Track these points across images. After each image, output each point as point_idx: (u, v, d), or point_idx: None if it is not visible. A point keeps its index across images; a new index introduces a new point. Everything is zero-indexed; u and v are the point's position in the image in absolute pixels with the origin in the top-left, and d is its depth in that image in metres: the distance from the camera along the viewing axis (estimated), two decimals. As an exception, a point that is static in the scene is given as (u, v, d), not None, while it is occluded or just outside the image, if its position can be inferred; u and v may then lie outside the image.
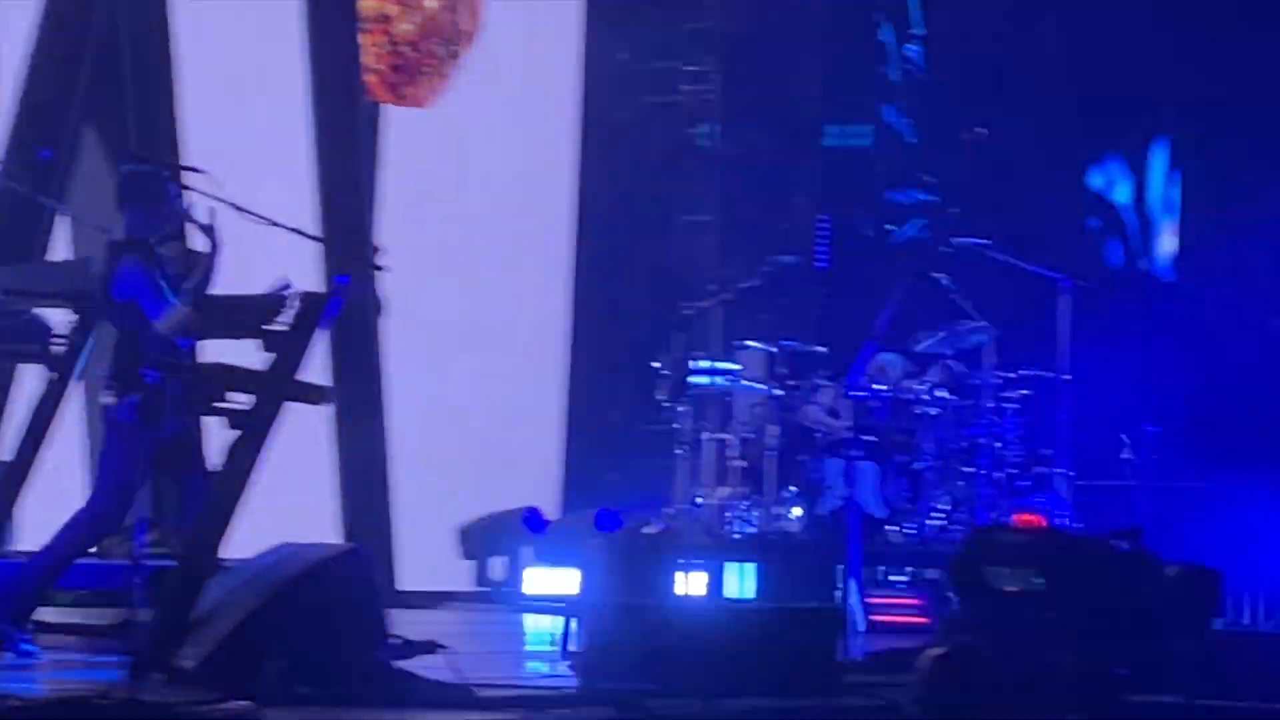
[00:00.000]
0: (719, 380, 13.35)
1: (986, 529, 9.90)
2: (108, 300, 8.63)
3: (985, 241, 11.61)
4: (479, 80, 15.55)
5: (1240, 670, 8.55)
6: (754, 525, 13.04)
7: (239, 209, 8.50)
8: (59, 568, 8.79)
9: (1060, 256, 14.43)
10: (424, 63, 15.23)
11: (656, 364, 13.46)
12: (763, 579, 12.63)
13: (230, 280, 8.60)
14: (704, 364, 13.43)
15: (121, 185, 8.90)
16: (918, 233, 14.43)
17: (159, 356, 8.40)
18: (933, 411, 13.26)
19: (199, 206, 8.59)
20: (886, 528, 13.11)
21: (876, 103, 17.32)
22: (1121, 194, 17.33)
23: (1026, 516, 12.02)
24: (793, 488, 13.05)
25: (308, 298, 7.87)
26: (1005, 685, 5.85)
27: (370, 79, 15.00)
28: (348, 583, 7.75)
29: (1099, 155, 17.22)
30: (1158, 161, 16.99)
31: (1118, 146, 17.18)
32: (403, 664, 7.87)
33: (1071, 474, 13.64)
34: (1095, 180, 17.26)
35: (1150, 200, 17.09)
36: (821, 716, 8.37)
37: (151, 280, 8.50)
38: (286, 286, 7.96)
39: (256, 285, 8.14)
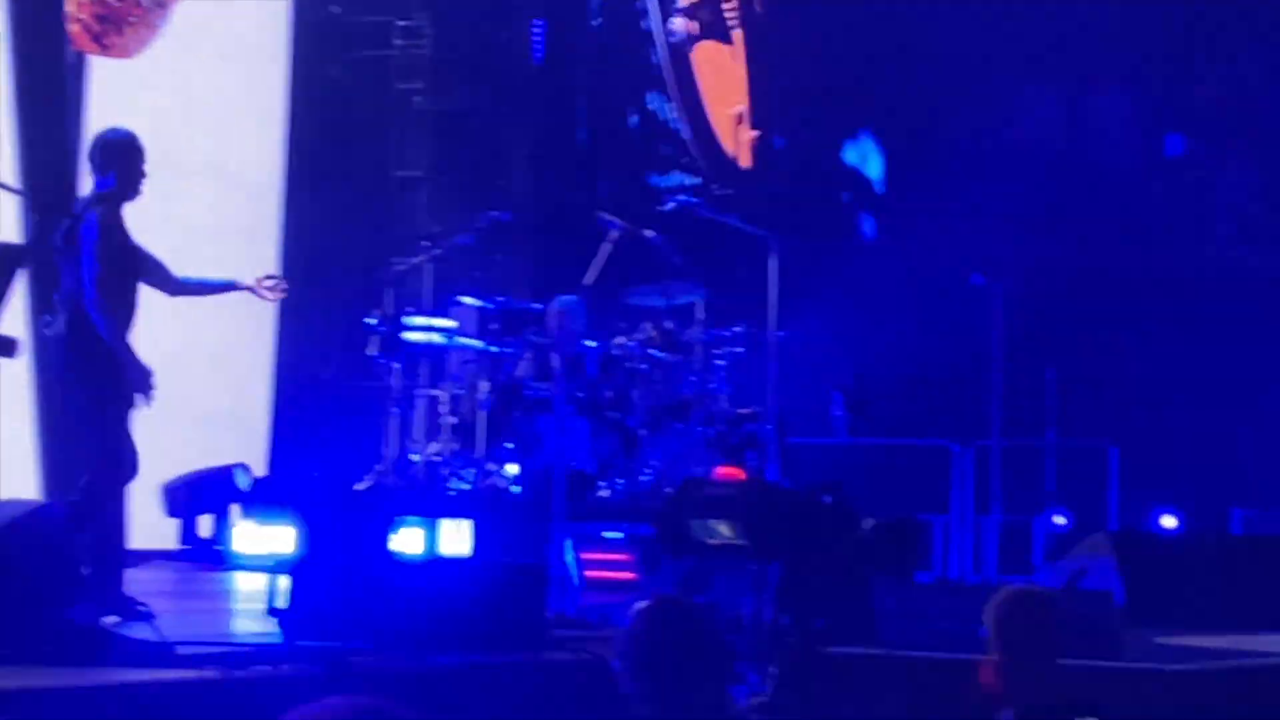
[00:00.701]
0: (431, 336, 13.29)
1: (690, 483, 9.94)
2: None
3: (695, 201, 11.67)
4: (188, 30, 15.27)
5: (940, 622, 8.73)
6: (468, 482, 13.00)
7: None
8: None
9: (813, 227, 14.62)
10: (130, 12, 14.90)
11: (370, 320, 13.35)
12: (478, 536, 12.60)
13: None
14: (416, 320, 13.36)
15: None
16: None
17: None
18: (644, 368, 13.32)
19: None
20: (599, 484, 13.15)
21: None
22: (873, 169, 17.66)
23: (728, 470, 12.13)
24: (509, 444, 13.03)
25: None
26: (707, 637, 5.88)
27: (74, 28, 14.65)
28: (38, 540, 7.58)
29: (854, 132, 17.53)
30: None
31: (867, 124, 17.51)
32: (102, 622, 7.73)
33: (780, 431, 13.79)
34: (850, 155, 17.56)
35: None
36: (530, 672, 8.40)
37: None
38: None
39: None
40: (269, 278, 10.47)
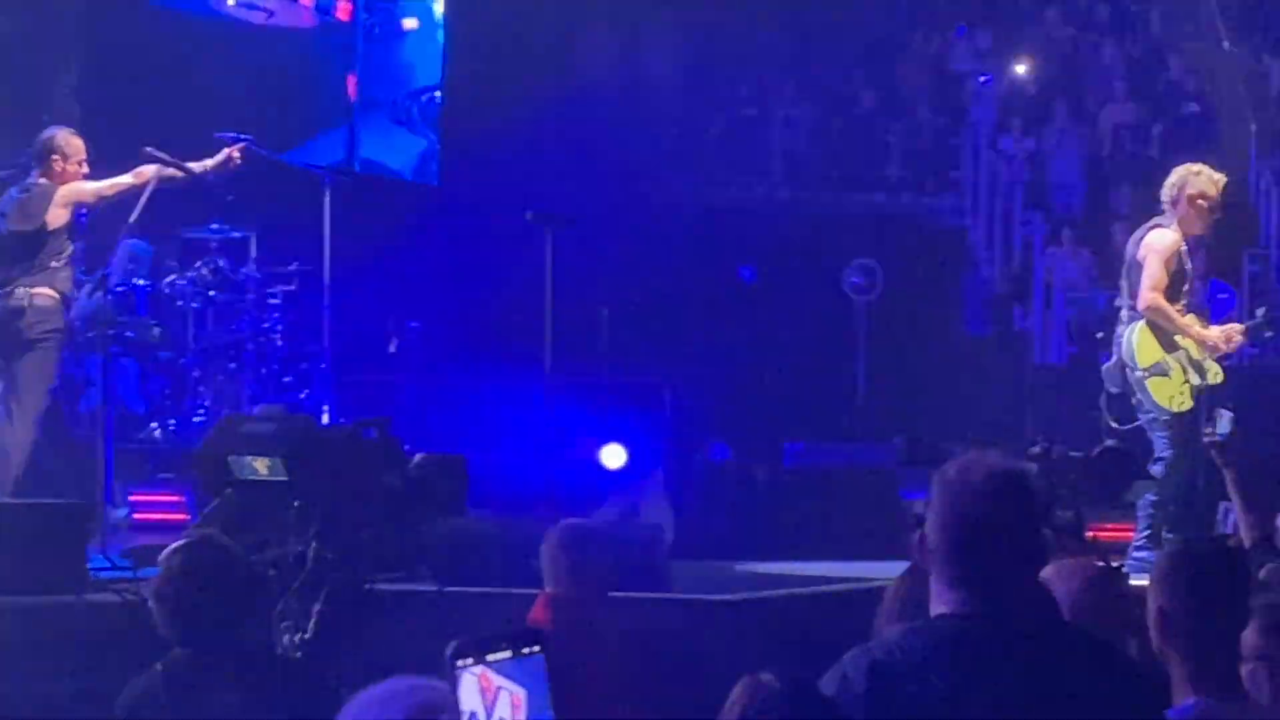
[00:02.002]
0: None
1: (228, 420, 9.76)
2: None
3: (247, 137, 11.44)
4: None
5: (489, 555, 8.76)
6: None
7: None
8: None
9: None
10: None
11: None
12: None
13: None
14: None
15: None
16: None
17: None
18: (196, 306, 13.06)
19: None
20: (150, 425, 12.87)
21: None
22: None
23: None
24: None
25: None
26: (249, 575, 5.79)
27: None
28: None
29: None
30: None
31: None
32: None
33: (336, 368, 13.68)
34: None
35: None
36: (72, 613, 8.20)
37: None
38: None
39: None
40: None
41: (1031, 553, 4.17)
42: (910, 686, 3.90)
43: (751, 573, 10.42)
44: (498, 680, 3.35)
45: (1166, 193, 10.83)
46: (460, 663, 3.31)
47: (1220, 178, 10.91)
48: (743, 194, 19.80)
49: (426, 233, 16.13)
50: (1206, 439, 7.82)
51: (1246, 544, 7.24)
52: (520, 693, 3.37)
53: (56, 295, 10.70)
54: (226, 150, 11.29)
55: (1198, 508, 10.52)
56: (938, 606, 4.07)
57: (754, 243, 18.32)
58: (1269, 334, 11.47)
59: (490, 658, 3.37)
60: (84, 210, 10.89)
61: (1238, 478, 7.52)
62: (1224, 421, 7.84)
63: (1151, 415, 10.65)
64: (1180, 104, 21.10)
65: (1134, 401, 10.73)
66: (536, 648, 3.43)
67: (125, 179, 10.91)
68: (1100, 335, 14.92)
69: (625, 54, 20.45)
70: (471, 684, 3.32)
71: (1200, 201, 10.73)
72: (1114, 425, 11.19)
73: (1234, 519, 13.11)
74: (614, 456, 13.86)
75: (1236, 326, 11.21)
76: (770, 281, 17.75)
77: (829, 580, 9.89)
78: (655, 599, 8.61)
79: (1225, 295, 17.76)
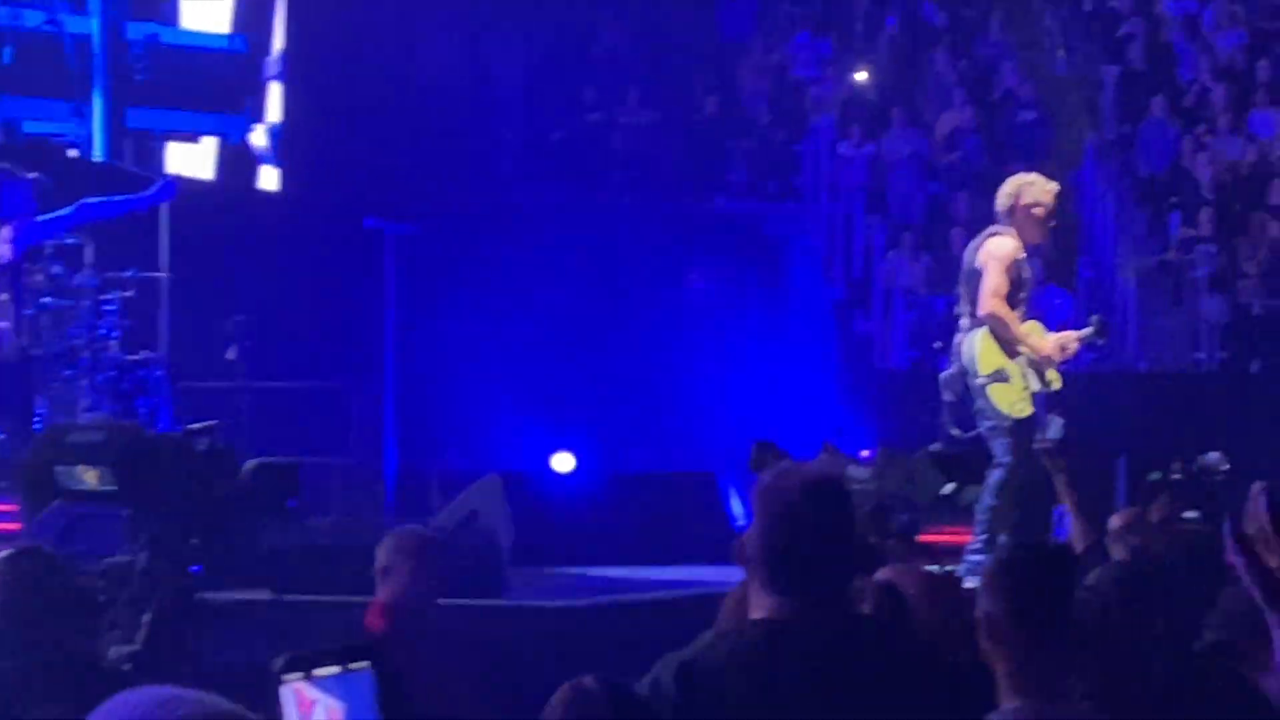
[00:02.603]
0: None
1: (55, 429, 9.61)
2: None
3: (61, 135, 11.28)
4: None
5: (324, 563, 8.70)
6: None
7: None
8: None
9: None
10: None
11: None
12: None
13: None
14: None
15: None
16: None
17: None
18: (29, 313, 12.87)
19: None
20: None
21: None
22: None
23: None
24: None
25: None
26: (74, 585, 5.72)
27: None
28: None
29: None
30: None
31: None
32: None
33: (173, 375, 13.54)
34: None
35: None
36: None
37: None
38: None
39: None
40: None
41: (848, 559, 4.20)
42: (722, 691, 3.93)
43: (588, 579, 10.43)
44: (314, 694, 3.33)
45: (1001, 202, 10.93)
46: (285, 677, 3.30)
47: (1053, 186, 11.04)
48: (585, 198, 19.81)
49: (268, 239, 16.00)
50: (1038, 444, 7.90)
51: (1079, 548, 7.31)
52: (339, 706, 3.35)
53: None
54: None
55: (1035, 514, 10.62)
56: (755, 612, 4.10)
57: (596, 247, 18.34)
58: (1101, 341, 11.62)
59: (316, 672, 3.35)
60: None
61: (1070, 482, 7.61)
62: (1055, 427, 7.94)
63: (992, 423, 10.73)
64: (1017, 111, 21.35)
65: (975, 409, 10.81)
66: (365, 663, 3.42)
67: None
68: (939, 345, 15.10)
69: (468, 58, 20.40)
70: (290, 698, 3.31)
71: (1035, 210, 10.84)
72: (955, 433, 11.29)
73: (1069, 523, 13.31)
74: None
75: (1070, 335, 11.33)
76: (613, 286, 17.77)
77: (664, 586, 9.93)
78: (491, 606, 8.60)
79: (1060, 301, 18.02)
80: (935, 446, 11.45)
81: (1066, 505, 7.48)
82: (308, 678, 3.31)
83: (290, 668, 3.29)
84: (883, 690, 4.03)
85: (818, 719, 3.95)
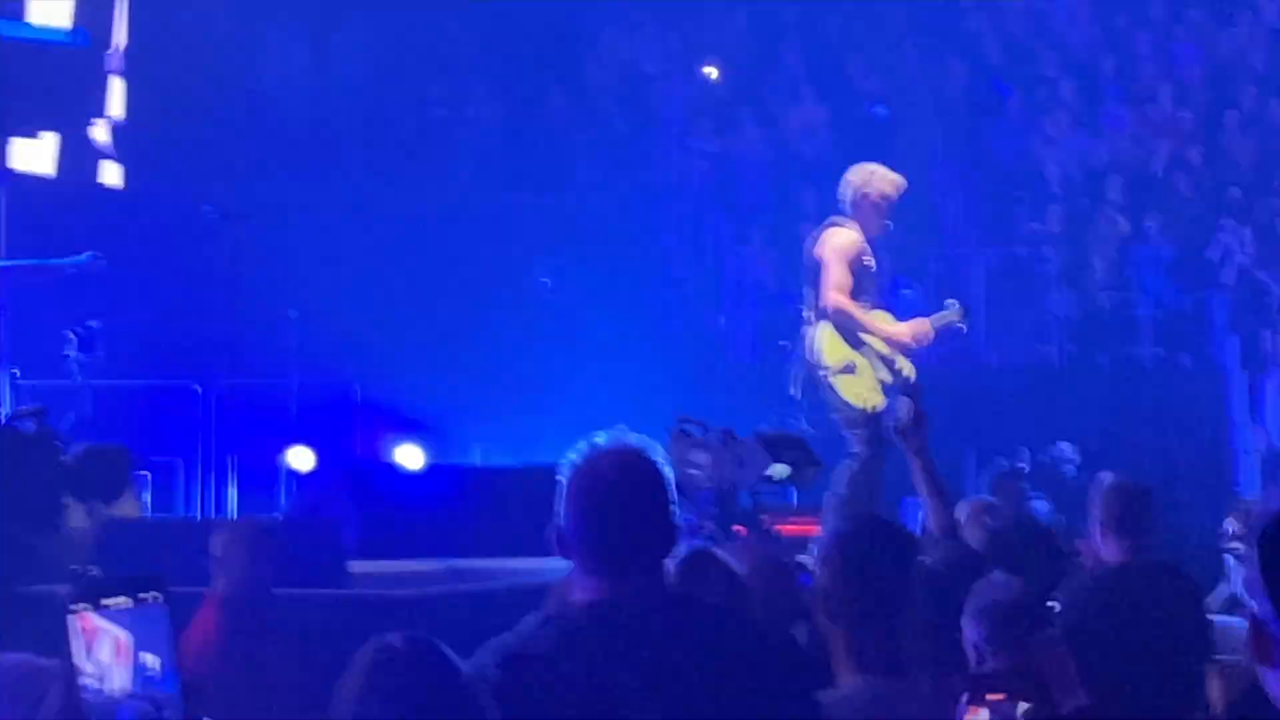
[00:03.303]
0: None
1: None
2: None
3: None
4: None
5: (158, 553, 8.54)
6: None
7: None
8: None
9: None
10: None
11: None
12: None
13: None
14: None
15: None
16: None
17: None
18: None
19: None
20: None
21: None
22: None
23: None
24: None
25: None
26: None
27: None
28: None
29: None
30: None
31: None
32: None
33: (15, 371, 13.33)
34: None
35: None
36: None
37: None
38: None
39: None
40: None
41: (665, 536, 4.12)
42: (543, 675, 3.85)
43: (433, 571, 10.32)
44: (100, 623, 3.24)
45: (845, 192, 10.91)
46: (72, 606, 3.21)
47: (897, 178, 11.02)
48: (433, 193, 19.68)
49: (111, 235, 15.75)
50: (893, 428, 7.85)
51: (936, 533, 7.30)
52: (125, 636, 3.26)
53: None
54: None
55: (882, 504, 10.62)
56: (577, 594, 4.02)
57: (444, 242, 18.23)
58: (962, 326, 11.61)
59: (105, 603, 3.26)
60: None
61: (925, 466, 7.58)
62: (904, 408, 7.88)
63: (841, 415, 10.70)
64: (865, 106, 21.41)
65: (823, 401, 10.78)
66: (157, 594, 3.32)
67: None
68: (784, 343, 15.08)
69: (313, 52, 20.22)
70: (76, 628, 3.22)
71: (879, 202, 10.83)
72: (806, 427, 11.28)
73: (920, 515, 13.31)
74: (301, 459, 13.70)
75: (925, 320, 11.32)
76: (460, 281, 17.66)
77: (503, 575, 9.84)
78: (330, 596, 8.49)
79: (910, 292, 18.07)
80: (763, 429, 11.45)
81: (921, 487, 7.44)
82: (96, 608, 3.24)
83: (78, 597, 3.22)
84: (707, 667, 3.96)
85: (642, 699, 3.87)
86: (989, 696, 3.78)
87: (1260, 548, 2.69)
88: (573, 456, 4.10)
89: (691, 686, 3.91)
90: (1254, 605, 2.73)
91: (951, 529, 7.30)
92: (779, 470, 10.27)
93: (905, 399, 7.74)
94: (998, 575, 6.15)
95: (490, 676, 3.83)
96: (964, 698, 3.77)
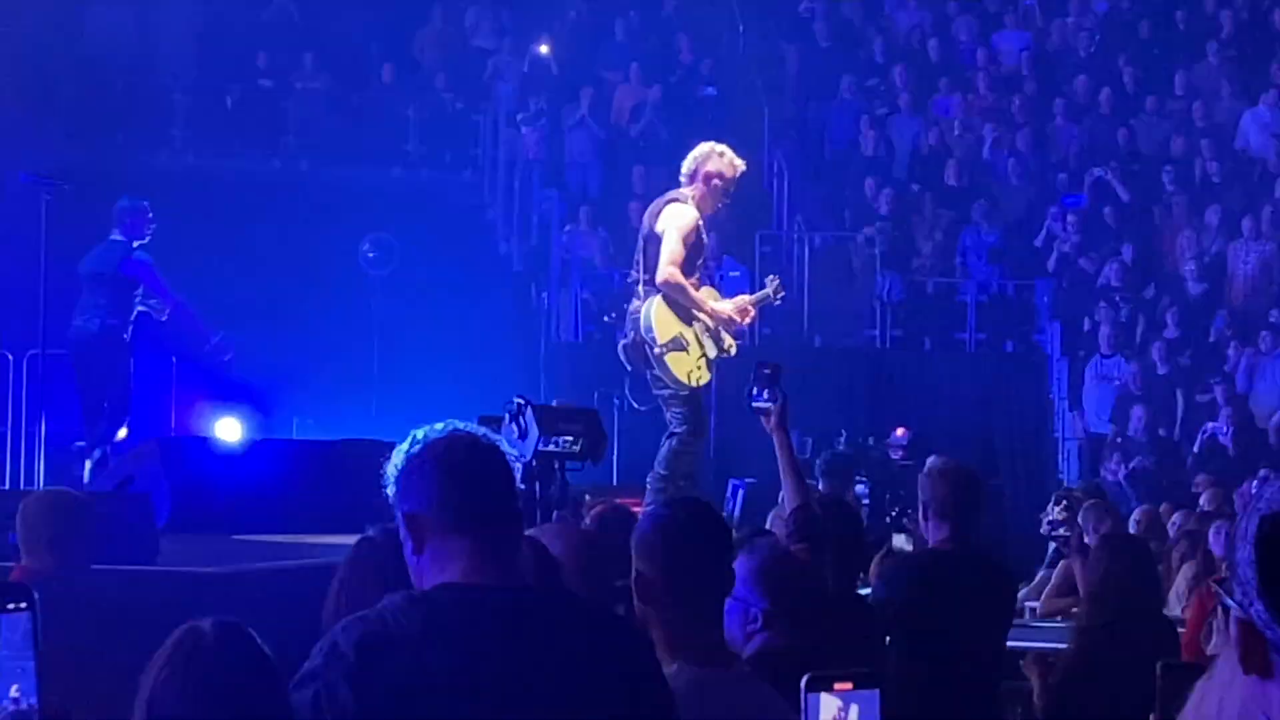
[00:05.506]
0: None
1: None
2: None
3: None
4: None
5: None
6: None
7: None
8: None
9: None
10: None
11: None
12: None
13: None
14: None
15: None
16: None
17: None
18: None
19: None
20: None
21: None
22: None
23: None
24: None
25: None
26: None
27: None
28: None
29: None
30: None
31: None
32: None
33: None
34: None
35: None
36: None
37: None
38: None
39: None
40: None
41: (519, 519, 4.07)
42: (404, 659, 3.71)
43: (251, 546, 10.17)
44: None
45: (687, 165, 10.83)
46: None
47: (741, 164, 10.96)
48: (259, 165, 19.45)
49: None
50: (754, 406, 7.77)
51: (789, 509, 7.29)
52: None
53: None
54: None
55: (704, 484, 10.60)
56: (440, 577, 3.89)
57: (271, 214, 18.02)
58: (777, 301, 11.62)
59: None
60: None
61: (785, 444, 7.56)
62: (766, 385, 7.79)
63: (669, 391, 10.65)
64: (695, 87, 21.40)
65: (649, 376, 10.71)
66: (22, 604, 3.31)
67: None
68: (610, 317, 15.01)
69: (137, 19, 19.91)
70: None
71: (716, 181, 10.76)
72: (635, 406, 11.21)
73: (741, 497, 13.31)
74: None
75: (747, 297, 11.35)
76: (285, 253, 17.45)
77: (327, 553, 9.69)
78: (142, 571, 8.32)
79: (737, 274, 18.09)
80: (553, 403, 11.42)
81: (784, 467, 7.40)
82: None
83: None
84: (567, 652, 3.86)
85: (509, 687, 3.77)
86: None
87: (1258, 549, 2.53)
88: (418, 439, 3.98)
89: (554, 670, 3.81)
90: (1236, 608, 2.55)
91: (804, 506, 7.28)
92: (562, 441, 10.09)
93: (765, 372, 7.70)
94: (763, 540, 6.15)
95: (347, 658, 3.69)
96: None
